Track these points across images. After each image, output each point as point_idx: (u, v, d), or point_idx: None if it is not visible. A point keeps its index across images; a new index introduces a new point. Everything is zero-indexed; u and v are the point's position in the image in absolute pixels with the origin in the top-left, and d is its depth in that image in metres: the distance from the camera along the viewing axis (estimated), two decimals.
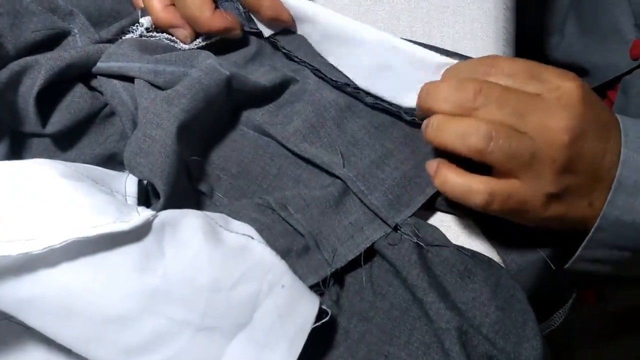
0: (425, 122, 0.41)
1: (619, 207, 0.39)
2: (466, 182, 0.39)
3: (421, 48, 0.44)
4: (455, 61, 0.43)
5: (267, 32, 0.50)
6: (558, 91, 0.39)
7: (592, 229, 0.40)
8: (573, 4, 0.76)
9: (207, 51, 0.46)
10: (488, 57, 0.42)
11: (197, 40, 0.49)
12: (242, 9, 0.50)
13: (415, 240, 0.41)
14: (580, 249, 0.42)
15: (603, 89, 0.70)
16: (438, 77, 0.44)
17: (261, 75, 0.48)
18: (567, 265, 0.44)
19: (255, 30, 0.50)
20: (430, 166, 0.42)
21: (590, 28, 0.72)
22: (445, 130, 0.39)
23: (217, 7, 0.48)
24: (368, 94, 0.46)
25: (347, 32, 0.45)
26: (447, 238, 0.43)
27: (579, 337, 0.74)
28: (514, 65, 0.40)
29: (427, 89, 0.42)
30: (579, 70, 0.73)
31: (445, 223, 0.45)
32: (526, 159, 0.38)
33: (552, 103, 0.38)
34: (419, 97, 0.42)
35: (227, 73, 0.43)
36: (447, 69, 0.43)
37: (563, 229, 0.42)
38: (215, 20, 0.47)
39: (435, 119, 0.40)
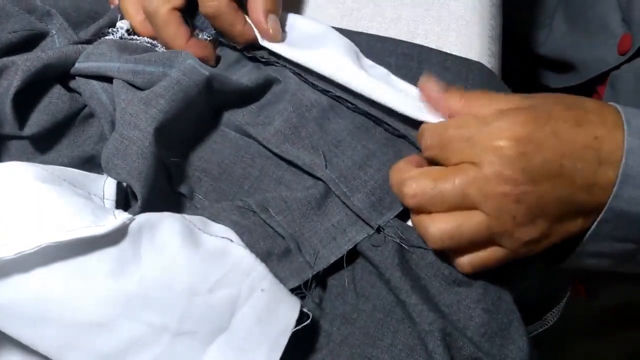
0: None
1: (624, 200, 0.38)
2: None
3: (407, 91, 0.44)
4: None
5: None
6: (487, 153, 0.37)
7: (595, 223, 0.39)
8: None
9: (186, 52, 0.45)
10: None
11: None
12: None
13: (399, 242, 0.41)
14: (582, 243, 0.40)
15: (592, 84, 0.69)
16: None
17: (243, 74, 0.47)
18: (566, 262, 0.43)
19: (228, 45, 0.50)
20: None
21: (578, 23, 0.72)
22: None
23: (193, 28, 0.50)
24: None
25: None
26: None
27: (569, 332, 0.74)
28: (445, 137, 0.40)
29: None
30: (567, 66, 0.73)
31: None
32: (485, 234, 0.38)
33: (483, 167, 0.37)
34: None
35: (207, 73, 0.43)
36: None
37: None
38: (189, 49, 0.47)
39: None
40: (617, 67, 0.64)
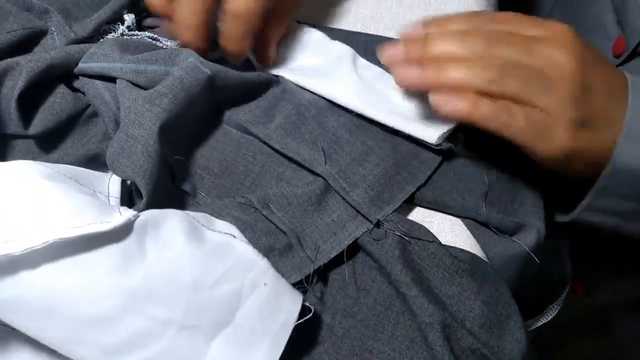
0: (411, 68, 0.41)
1: (627, 155, 0.40)
2: (491, 103, 0.39)
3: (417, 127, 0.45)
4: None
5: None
6: (555, 31, 0.41)
7: (601, 175, 0.40)
8: (558, 0, 0.76)
9: (188, 49, 0.46)
10: (482, 12, 0.44)
11: (177, 41, 0.49)
12: None
13: (400, 235, 0.42)
14: (589, 195, 0.42)
15: None
16: None
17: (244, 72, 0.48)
18: (574, 214, 0.43)
19: None
20: (444, 96, 0.40)
21: (575, 23, 0.71)
22: (452, 70, 0.40)
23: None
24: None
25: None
26: (432, 234, 0.43)
27: (568, 330, 0.74)
28: (512, 16, 0.43)
29: (430, 39, 0.42)
30: None
31: (428, 219, 0.45)
32: (539, 86, 0.39)
33: (552, 41, 0.40)
34: (412, 47, 0.42)
35: (208, 72, 0.43)
36: (442, 19, 0.44)
37: (584, 171, 0.42)
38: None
39: (434, 62, 0.40)
40: None
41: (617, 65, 0.63)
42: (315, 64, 0.49)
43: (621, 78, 0.42)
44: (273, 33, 0.47)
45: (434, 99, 0.40)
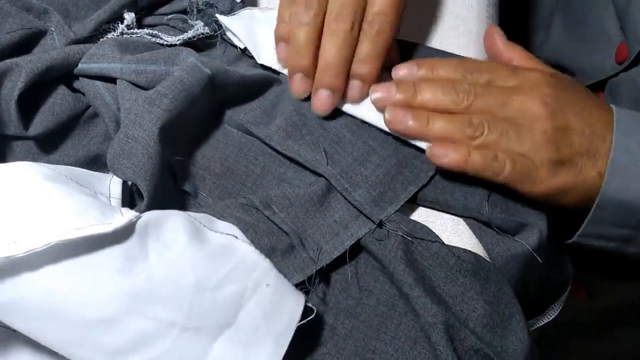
0: (403, 112, 0.43)
1: (614, 188, 0.42)
2: (482, 153, 0.42)
3: None
4: None
5: (242, 45, 0.50)
6: (528, 80, 0.44)
7: (593, 207, 0.43)
8: (559, 3, 0.76)
9: (189, 48, 0.46)
10: (465, 59, 0.47)
11: (177, 37, 0.49)
12: (215, 18, 0.49)
13: (402, 235, 0.41)
14: (583, 225, 0.44)
15: (595, 89, 0.68)
16: None
17: (245, 71, 0.47)
18: (572, 239, 0.46)
19: (230, 42, 0.50)
20: (441, 147, 0.43)
21: (576, 28, 0.71)
22: (436, 123, 0.43)
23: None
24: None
25: None
26: (435, 233, 0.43)
27: (570, 332, 0.74)
28: (494, 65, 0.46)
29: (419, 84, 0.44)
30: (565, 71, 0.72)
31: (430, 219, 0.45)
32: (515, 135, 0.42)
33: (526, 88, 0.44)
34: (402, 90, 0.44)
35: (209, 72, 0.43)
36: (427, 61, 0.46)
37: (575, 204, 0.44)
38: None
39: (424, 112, 0.43)
40: (615, 75, 0.65)
41: (621, 72, 0.63)
42: None
43: (605, 113, 0.44)
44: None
45: (429, 152, 0.43)
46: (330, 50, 0.43)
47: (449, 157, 0.42)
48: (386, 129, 0.45)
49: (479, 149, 0.42)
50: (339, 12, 0.43)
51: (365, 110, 0.46)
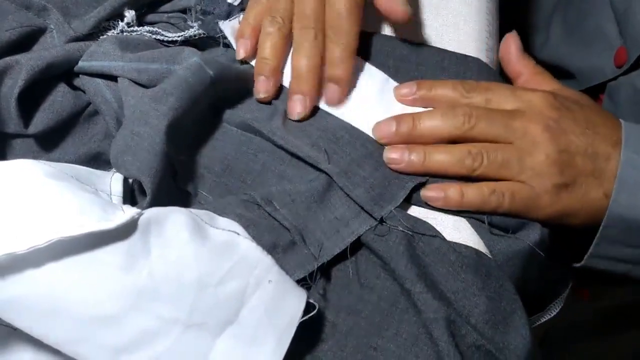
0: (401, 151, 0.44)
1: (622, 205, 0.41)
2: (478, 190, 0.42)
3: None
4: None
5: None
6: (531, 103, 0.44)
7: (601, 226, 0.42)
8: (559, 4, 0.75)
9: (191, 47, 0.46)
10: (467, 81, 0.46)
11: (178, 34, 0.49)
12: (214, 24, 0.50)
13: (403, 230, 0.41)
14: (592, 246, 0.43)
15: (595, 91, 0.69)
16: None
17: (244, 69, 0.47)
18: (582, 263, 0.45)
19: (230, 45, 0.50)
20: (434, 189, 0.43)
21: (575, 31, 0.71)
22: (436, 155, 0.43)
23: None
24: None
25: None
26: (435, 229, 0.43)
27: (573, 333, 0.74)
28: (493, 85, 0.45)
29: (417, 116, 0.44)
30: (565, 73, 0.72)
31: (431, 215, 0.45)
32: (517, 162, 0.42)
33: (528, 112, 0.43)
34: (402, 125, 0.44)
35: (212, 73, 0.43)
36: (425, 82, 0.46)
37: (583, 224, 0.43)
38: None
39: (421, 147, 0.43)
40: (614, 78, 0.64)
41: (620, 75, 0.63)
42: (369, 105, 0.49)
43: (613, 130, 0.43)
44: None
45: (423, 195, 0.44)
46: (299, 60, 0.45)
47: (442, 200, 0.43)
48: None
49: (474, 186, 0.42)
50: (301, 26, 0.45)
51: (351, 115, 0.47)
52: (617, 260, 0.44)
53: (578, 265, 0.46)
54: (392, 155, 0.44)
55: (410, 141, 0.44)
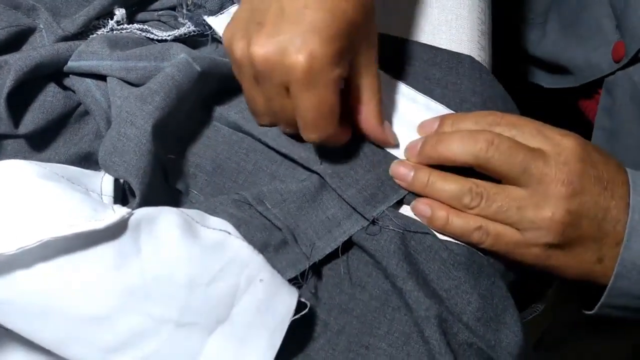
0: (407, 170, 0.43)
1: (635, 252, 0.40)
2: (464, 222, 0.42)
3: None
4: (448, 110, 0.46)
5: None
6: (559, 147, 0.40)
7: (612, 277, 0.40)
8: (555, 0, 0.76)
9: (179, 44, 0.46)
10: (494, 112, 0.44)
11: (168, 33, 0.49)
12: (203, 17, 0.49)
13: (394, 228, 0.41)
14: (603, 297, 0.42)
15: (590, 87, 0.69)
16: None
17: None
18: (593, 311, 0.44)
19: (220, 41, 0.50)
20: (425, 204, 0.43)
21: (572, 26, 0.71)
22: (438, 185, 0.43)
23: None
24: None
25: None
26: (427, 227, 0.43)
27: (570, 333, 0.74)
28: (520, 121, 0.42)
29: (438, 138, 0.43)
30: (561, 69, 0.72)
31: None
32: (513, 214, 0.40)
33: (553, 158, 0.40)
34: (425, 144, 0.43)
35: (199, 69, 0.43)
36: (448, 116, 0.45)
37: (571, 278, 0.42)
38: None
39: (427, 172, 0.43)
40: (612, 73, 0.64)
41: (618, 70, 0.63)
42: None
43: (622, 186, 0.41)
44: (371, 110, 0.43)
45: (412, 207, 0.44)
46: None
47: (427, 219, 0.43)
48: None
49: (463, 217, 0.42)
50: (284, 124, 0.43)
51: None
52: (630, 310, 0.43)
53: (591, 313, 0.44)
54: (397, 170, 0.44)
55: (425, 162, 0.44)
